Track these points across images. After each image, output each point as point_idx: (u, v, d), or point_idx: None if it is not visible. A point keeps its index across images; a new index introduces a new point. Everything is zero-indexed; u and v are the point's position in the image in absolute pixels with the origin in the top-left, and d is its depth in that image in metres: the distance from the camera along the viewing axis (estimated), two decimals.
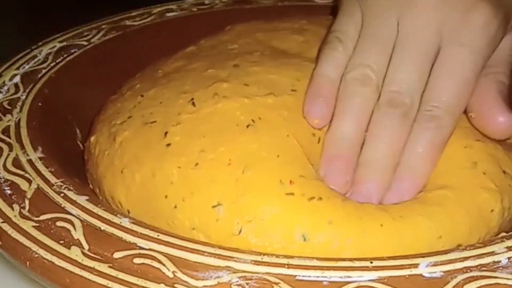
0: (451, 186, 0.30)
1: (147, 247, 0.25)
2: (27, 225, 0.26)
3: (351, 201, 0.29)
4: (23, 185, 0.28)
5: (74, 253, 0.24)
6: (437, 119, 0.31)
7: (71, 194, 0.28)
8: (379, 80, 0.32)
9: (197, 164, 0.29)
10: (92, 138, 0.34)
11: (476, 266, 0.24)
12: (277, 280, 0.23)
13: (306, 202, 0.28)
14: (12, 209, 0.27)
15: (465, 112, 0.34)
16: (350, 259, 0.24)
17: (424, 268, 0.24)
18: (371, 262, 0.24)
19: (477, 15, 0.31)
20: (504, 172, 0.31)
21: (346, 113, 0.32)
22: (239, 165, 0.29)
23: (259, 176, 0.29)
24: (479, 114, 0.32)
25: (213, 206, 0.28)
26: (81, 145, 0.36)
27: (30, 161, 0.30)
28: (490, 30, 0.31)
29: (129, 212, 0.30)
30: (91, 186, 0.34)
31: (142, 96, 0.35)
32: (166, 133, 0.31)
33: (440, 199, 0.29)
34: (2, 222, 0.26)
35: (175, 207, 0.29)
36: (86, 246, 0.25)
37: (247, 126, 0.31)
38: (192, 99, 0.32)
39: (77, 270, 0.24)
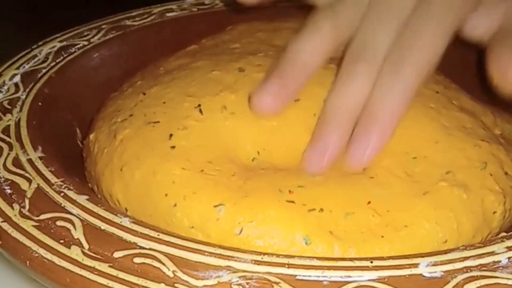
0: (467, 185, 0.29)
1: (147, 247, 0.25)
2: (27, 225, 0.26)
3: (354, 216, 0.28)
4: (23, 184, 0.28)
5: (74, 252, 0.24)
6: (400, 71, 0.30)
7: (71, 194, 0.28)
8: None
9: (202, 170, 0.30)
10: (91, 136, 0.34)
11: (476, 266, 0.24)
12: (277, 280, 0.23)
13: (306, 213, 0.28)
14: (12, 208, 0.27)
15: (465, 111, 0.34)
16: (350, 259, 0.24)
17: (424, 268, 0.24)
18: (371, 262, 0.24)
19: None
20: (506, 173, 0.31)
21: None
22: (243, 176, 0.29)
23: (259, 185, 0.29)
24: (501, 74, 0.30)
25: (215, 206, 0.28)
26: (81, 145, 0.36)
27: (30, 161, 0.30)
28: None
29: (127, 210, 0.30)
30: (89, 184, 0.34)
31: (144, 94, 0.34)
32: (171, 135, 0.31)
33: (453, 201, 0.29)
34: (2, 222, 0.26)
35: (175, 205, 0.29)
36: (86, 246, 0.25)
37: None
38: (199, 105, 0.32)
39: (77, 270, 0.24)
